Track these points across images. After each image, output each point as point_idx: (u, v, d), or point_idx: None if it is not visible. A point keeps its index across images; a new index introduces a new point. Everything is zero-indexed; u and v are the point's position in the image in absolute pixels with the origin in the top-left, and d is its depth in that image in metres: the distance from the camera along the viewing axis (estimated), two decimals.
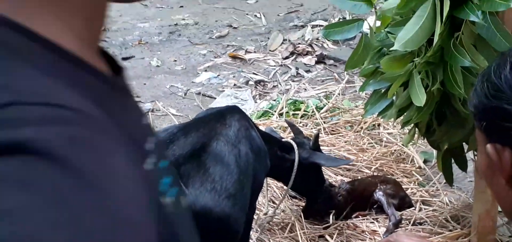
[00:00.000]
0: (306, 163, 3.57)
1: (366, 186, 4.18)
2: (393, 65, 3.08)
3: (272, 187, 4.37)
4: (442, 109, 3.33)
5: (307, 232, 3.90)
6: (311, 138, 3.74)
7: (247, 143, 2.98)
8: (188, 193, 2.49)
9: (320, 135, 4.33)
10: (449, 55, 2.95)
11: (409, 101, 3.15)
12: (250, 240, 3.69)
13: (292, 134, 3.89)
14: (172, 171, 2.24)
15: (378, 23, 3.22)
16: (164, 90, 7.27)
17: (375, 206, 4.12)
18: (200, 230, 2.39)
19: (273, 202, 4.26)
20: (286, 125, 5.17)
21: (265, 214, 4.01)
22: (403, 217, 4.02)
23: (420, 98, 3.03)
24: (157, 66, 8.02)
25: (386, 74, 3.23)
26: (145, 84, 7.47)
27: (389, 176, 4.42)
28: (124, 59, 8.25)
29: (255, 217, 3.69)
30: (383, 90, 3.47)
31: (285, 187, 3.90)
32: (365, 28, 3.13)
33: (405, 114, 3.36)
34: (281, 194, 4.29)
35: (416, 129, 3.63)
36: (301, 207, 4.19)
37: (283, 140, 3.70)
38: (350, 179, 4.39)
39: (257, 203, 4.05)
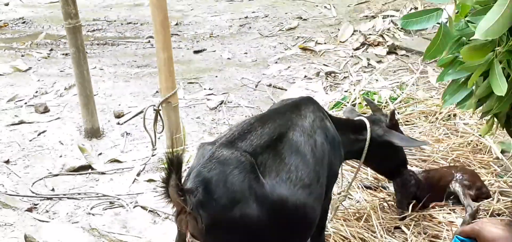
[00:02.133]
0: (380, 141, 3.55)
1: (442, 176, 4.13)
2: (473, 55, 3.04)
3: (347, 177, 4.38)
4: None
5: (383, 222, 3.89)
6: (388, 115, 3.70)
7: (322, 133, 3.01)
8: (265, 182, 2.53)
9: None
10: None
11: (490, 90, 3.10)
12: (326, 229, 3.72)
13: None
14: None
15: (457, 12, 3.17)
16: (235, 82, 7.35)
17: (451, 197, 4.07)
18: (277, 219, 2.44)
19: (348, 193, 4.26)
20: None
21: (339, 193, 4.00)
22: (481, 208, 3.96)
23: (501, 87, 2.97)
24: (228, 58, 8.11)
25: (466, 64, 3.18)
26: (216, 76, 7.57)
27: (465, 167, 4.35)
28: (196, 52, 8.38)
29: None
30: (462, 80, 3.42)
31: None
32: (444, 17, 3.09)
33: (484, 104, 3.30)
34: (355, 186, 4.30)
35: (495, 119, 3.56)
36: (376, 198, 4.18)
37: (356, 119, 3.68)
38: (423, 169, 4.35)
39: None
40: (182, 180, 2.35)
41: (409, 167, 4.42)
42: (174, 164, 2.25)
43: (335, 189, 4.06)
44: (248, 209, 2.41)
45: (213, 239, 2.39)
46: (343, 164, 3.85)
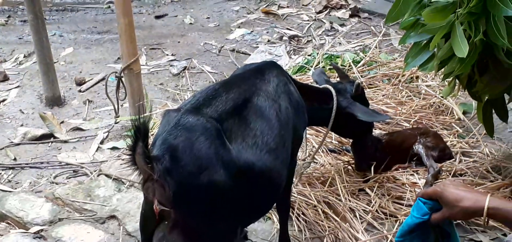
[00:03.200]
0: (344, 112, 3.59)
1: (405, 138, 4.18)
2: (435, 17, 3.06)
3: (311, 141, 4.40)
4: (484, 60, 3.30)
5: (347, 185, 3.92)
6: (354, 86, 3.71)
7: (286, 98, 3.00)
8: (231, 148, 2.52)
9: None
10: (492, 5, 2.92)
11: (451, 52, 3.13)
12: (292, 194, 3.74)
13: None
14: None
15: None
16: (198, 47, 7.29)
17: (414, 159, 4.12)
18: (244, 184, 2.43)
19: (313, 157, 4.29)
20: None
21: (303, 160, 4.03)
22: (443, 169, 4.02)
23: (462, 49, 3.00)
24: (191, 23, 8.04)
25: (428, 26, 3.20)
26: (179, 42, 7.50)
27: (428, 129, 4.40)
28: (157, 17, 8.29)
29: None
30: (424, 42, 3.45)
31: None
32: None
33: (446, 66, 3.33)
34: (320, 150, 4.32)
35: (457, 80, 3.61)
36: (340, 162, 4.21)
37: (322, 87, 3.69)
38: (386, 132, 4.39)
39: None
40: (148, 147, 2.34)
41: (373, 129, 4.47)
42: (140, 131, 2.22)
43: (300, 154, 4.08)
44: (215, 175, 2.40)
45: (180, 206, 2.38)
46: (307, 129, 3.87)
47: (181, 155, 2.36)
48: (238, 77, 3.04)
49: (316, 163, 4.22)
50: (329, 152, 4.33)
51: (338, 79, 3.99)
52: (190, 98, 2.71)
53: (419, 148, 4.08)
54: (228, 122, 2.61)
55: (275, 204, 3.34)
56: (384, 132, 4.44)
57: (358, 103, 3.64)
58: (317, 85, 3.75)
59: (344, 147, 4.37)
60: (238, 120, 2.66)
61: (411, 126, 4.53)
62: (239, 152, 2.55)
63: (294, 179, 3.66)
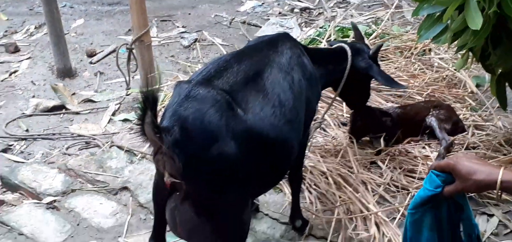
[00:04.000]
0: (363, 73, 3.52)
1: (418, 111, 4.16)
2: None
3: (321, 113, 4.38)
4: (498, 32, 3.27)
5: (359, 158, 3.92)
6: (372, 47, 3.66)
7: (300, 70, 2.98)
8: (245, 118, 2.51)
9: None
10: None
11: (465, 25, 3.10)
12: (304, 165, 3.74)
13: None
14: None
15: None
16: (209, 19, 7.27)
17: (427, 132, 4.10)
18: (257, 155, 2.43)
19: (324, 130, 4.28)
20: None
21: (315, 120, 3.99)
22: (456, 142, 4.00)
23: (476, 21, 2.98)
24: None
25: None
26: (189, 14, 7.48)
27: (441, 101, 4.38)
28: None
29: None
30: (437, 14, 3.41)
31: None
32: None
33: (460, 38, 3.30)
34: (331, 122, 4.31)
35: (470, 53, 3.58)
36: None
37: (335, 46, 3.62)
38: (399, 105, 4.37)
39: None
40: (158, 118, 2.33)
41: (384, 102, 4.45)
42: (149, 101, 2.21)
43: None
44: (226, 148, 2.39)
45: (191, 178, 2.38)
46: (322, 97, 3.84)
47: (191, 127, 2.35)
48: (250, 49, 3.03)
49: (328, 135, 4.22)
50: (341, 125, 4.32)
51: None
52: (202, 69, 2.70)
53: (431, 120, 4.06)
54: (239, 93, 2.60)
55: (287, 176, 3.34)
56: (397, 105, 4.42)
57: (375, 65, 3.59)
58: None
59: None
60: (249, 92, 2.65)
61: (423, 99, 4.51)
62: (250, 124, 2.54)
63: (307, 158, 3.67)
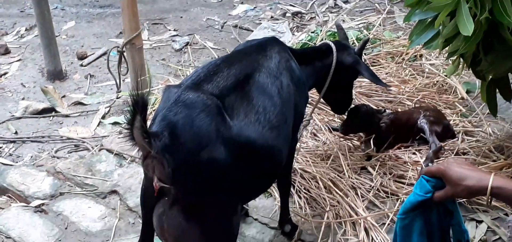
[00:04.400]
0: (349, 67, 3.50)
1: (410, 115, 4.15)
2: None
3: (314, 119, 4.37)
4: (490, 38, 3.27)
5: (350, 163, 3.91)
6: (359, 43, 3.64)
7: (288, 74, 2.97)
8: (232, 125, 2.50)
9: None
10: None
11: (456, 30, 3.10)
12: (294, 170, 3.73)
13: None
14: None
15: None
16: (201, 23, 7.26)
17: (417, 138, 4.10)
18: (245, 161, 2.41)
19: (315, 135, 4.28)
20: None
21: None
22: (446, 148, 4.00)
23: (468, 27, 2.98)
24: None
25: (433, 4, 3.17)
26: (181, 17, 7.47)
27: (433, 107, 4.38)
28: None
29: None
30: (428, 20, 3.41)
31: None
32: None
33: (451, 44, 3.30)
34: (322, 127, 4.31)
35: (461, 59, 3.58)
36: (343, 139, 4.20)
37: (322, 43, 3.63)
38: (391, 111, 4.37)
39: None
40: (148, 123, 2.31)
41: (375, 107, 4.44)
42: (139, 105, 2.19)
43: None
44: (215, 153, 2.38)
45: (180, 183, 2.36)
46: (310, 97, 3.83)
47: (180, 132, 2.33)
48: (240, 53, 3.01)
49: (319, 140, 4.21)
50: (332, 130, 4.31)
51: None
52: (192, 74, 2.68)
53: (422, 122, 4.05)
54: (229, 98, 2.59)
55: (276, 181, 3.33)
56: (389, 110, 4.42)
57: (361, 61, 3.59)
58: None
59: None
60: (239, 97, 2.63)
61: (414, 105, 4.51)
62: (240, 129, 2.53)
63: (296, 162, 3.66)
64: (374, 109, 4.15)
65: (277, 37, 3.43)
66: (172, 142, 2.30)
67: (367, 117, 4.02)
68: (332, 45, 3.51)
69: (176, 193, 2.40)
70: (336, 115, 4.40)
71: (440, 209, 2.18)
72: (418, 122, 4.06)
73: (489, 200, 2.01)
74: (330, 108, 4.01)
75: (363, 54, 5.06)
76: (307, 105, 3.73)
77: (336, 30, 5.84)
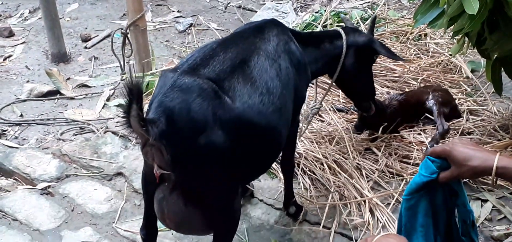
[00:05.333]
0: (364, 47, 3.40)
1: (419, 97, 4.13)
2: None
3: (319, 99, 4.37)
4: (495, 17, 3.26)
5: (355, 144, 3.91)
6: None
7: (287, 57, 2.94)
8: (232, 107, 2.49)
9: None
10: None
11: (461, 9, 3.09)
12: (297, 150, 3.73)
13: None
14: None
15: None
16: (204, 4, 7.24)
17: (422, 117, 4.09)
18: (243, 144, 2.40)
19: (320, 116, 4.27)
20: None
21: (313, 107, 3.94)
22: (451, 127, 4.00)
23: (472, 6, 2.97)
24: None
25: None
26: None
27: (441, 87, 4.37)
28: None
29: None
30: None
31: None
32: None
33: (456, 23, 3.29)
34: (327, 109, 4.30)
35: (466, 38, 3.57)
36: (348, 121, 4.20)
37: (330, 30, 3.56)
38: (399, 91, 4.35)
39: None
40: (145, 109, 2.29)
41: (380, 88, 4.43)
42: (133, 93, 2.17)
43: (305, 107, 4.07)
44: (214, 137, 2.36)
45: (180, 169, 2.35)
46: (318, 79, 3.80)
47: (177, 117, 2.31)
48: (237, 36, 2.97)
49: (324, 121, 4.21)
50: (336, 111, 4.30)
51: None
52: (188, 58, 2.66)
53: (431, 103, 4.04)
54: (226, 82, 2.56)
55: (279, 164, 3.33)
56: (393, 90, 4.41)
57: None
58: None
59: (352, 107, 4.33)
60: (236, 80, 2.61)
61: (419, 84, 4.50)
62: (238, 112, 2.51)
63: (303, 125, 3.64)
64: (383, 102, 4.08)
65: (277, 18, 3.40)
66: (169, 128, 2.28)
67: (381, 113, 3.96)
68: (341, 30, 3.43)
69: (175, 179, 2.39)
70: (341, 94, 4.39)
71: (445, 190, 2.18)
72: (427, 102, 4.05)
73: (494, 180, 2.01)
74: (353, 104, 3.92)
75: None
76: (318, 92, 3.70)
77: (340, 10, 5.84)
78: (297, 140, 3.45)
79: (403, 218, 2.23)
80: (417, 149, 3.83)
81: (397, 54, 3.90)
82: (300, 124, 3.53)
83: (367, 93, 3.66)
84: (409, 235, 2.20)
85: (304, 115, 3.80)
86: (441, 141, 3.82)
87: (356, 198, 3.44)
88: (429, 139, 3.88)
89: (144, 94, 4.49)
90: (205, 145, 2.35)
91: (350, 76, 3.45)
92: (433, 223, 2.21)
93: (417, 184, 2.17)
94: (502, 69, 3.70)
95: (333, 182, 3.58)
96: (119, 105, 4.88)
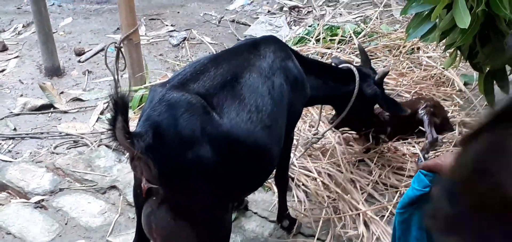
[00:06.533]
0: (368, 97, 3.50)
1: (411, 106, 4.15)
2: None
3: (312, 113, 4.38)
4: (486, 30, 3.28)
5: (348, 156, 3.93)
6: (379, 72, 3.62)
7: (282, 74, 2.92)
8: (221, 123, 2.48)
9: (355, 62, 4.18)
10: None
11: (453, 23, 3.11)
12: (292, 165, 3.74)
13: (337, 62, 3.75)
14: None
15: None
16: (198, 18, 7.26)
17: (416, 131, 4.11)
18: (234, 160, 2.39)
19: (313, 128, 4.28)
20: (324, 51, 5.15)
21: (315, 134, 3.99)
22: (445, 140, 4.01)
23: (464, 20, 2.99)
24: None
25: None
26: (178, 12, 7.46)
27: (433, 98, 4.39)
28: None
29: (298, 139, 3.71)
30: (425, 13, 3.42)
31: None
32: None
33: (448, 37, 3.31)
34: (321, 122, 4.31)
35: (458, 52, 3.59)
36: (340, 132, 4.21)
37: (343, 66, 3.58)
38: None
39: (299, 128, 4.09)
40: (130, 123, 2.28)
41: None
42: (119, 106, 2.16)
43: (301, 126, 4.08)
44: (202, 152, 2.35)
45: (167, 183, 2.34)
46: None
47: (164, 132, 2.30)
48: (230, 52, 2.97)
49: (317, 132, 4.22)
50: (330, 123, 4.31)
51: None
52: (178, 72, 2.66)
53: (423, 113, 4.06)
54: (215, 97, 2.55)
55: (274, 178, 3.33)
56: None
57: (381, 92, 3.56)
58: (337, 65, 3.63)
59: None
60: (226, 96, 2.60)
61: (411, 97, 4.52)
62: (226, 129, 2.50)
63: (301, 151, 3.65)
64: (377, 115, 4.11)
65: (271, 32, 3.41)
66: (156, 142, 2.27)
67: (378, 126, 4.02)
68: (356, 73, 3.47)
69: (164, 193, 2.38)
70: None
71: None
72: (419, 112, 4.07)
73: None
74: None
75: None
76: (322, 120, 3.71)
77: (333, 24, 5.87)
78: (291, 157, 3.45)
79: (397, 231, 2.23)
80: (411, 161, 3.85)
81: (387, 77, 3.94)
82: (299, 147, 3.55)
83: (368, 124, 3.84)
84: None
85: (303, 141, 3.84)
86: (431, 150, 3.84)
87: (350, 210, 3.45)
88: (421, 149, 3.90)
89: (137, 108, 4.51)
90: (193, 160, 2.34)
91: (354, 113, 3.55)
92: (427, 237, 2.21)
93: (410, 197, 2.18)
94: (495, 81, 3.72)
95: (327, 196, 3.58)
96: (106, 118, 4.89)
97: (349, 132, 4.20)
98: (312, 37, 5.59)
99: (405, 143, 4.06)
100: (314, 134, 3.83)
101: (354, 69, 3.50)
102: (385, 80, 4.66)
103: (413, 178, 2.21)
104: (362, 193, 3.62)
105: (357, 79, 3.44)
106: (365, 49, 5.19)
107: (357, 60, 4.71)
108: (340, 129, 4.10)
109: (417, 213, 2.19)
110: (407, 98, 4.55)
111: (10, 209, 3.77)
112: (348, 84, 3.46)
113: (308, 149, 3.88)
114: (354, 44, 5.34)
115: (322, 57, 5.17)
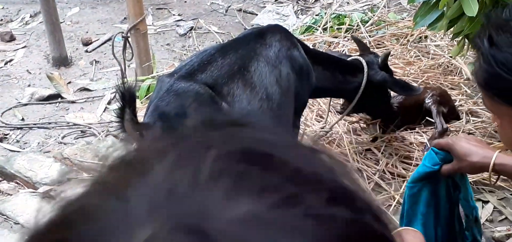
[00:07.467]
0: (377, 85, 3.49)
1: (417, 96, 4.14)
2: None
3: (320, 103, 4.38)
4: None
5: (355, 146, 3.92)
6: (380, 55, 3.62)
7: (288, 63, 2.93)
8: (232, 112, 2.48)
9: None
10: None
11: (461, 11, 3.10)
12: None
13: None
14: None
15: None
16: (205, 7, 7.25)
17: (423, 121, 4.11)
18: None
19: (321, 117, 4.28)
20: (331, 40, 5.14)
21: (322, 128, 4.00)
22: (452, 128, 4.00)
23: (472, 8, 2.98)
24: None
25: None
26: (185, 1, 7.45)
27: (440, 87, 4.37)
28: None
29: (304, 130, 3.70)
30: (433, 1, 3.41)
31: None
32: None
33: (456, 25, 3.30)
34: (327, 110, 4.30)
35: (466, 40, 3.57)
36: (348, 122, 4.20)
37: (349, 59, 3.56)
38: None
39: (306, 118, 4.09)
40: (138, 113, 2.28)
41: None
42: (126, 98, 2.16)
43: (306, 116, 4.08)
44: None
45: None
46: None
47: (173, 122, 2.31)
48: (237, 42, 2.97)
49: (322, 120, 4.22)
50: (336, 112, 4.31)
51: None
52: (186, 62, 2.65)
53: (429, 103, 4.05)
54: (223, 87, 2.56)
55: None
56: None
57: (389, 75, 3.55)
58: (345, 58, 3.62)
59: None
60: (234, 86, 2.61)
61: (418, 86, 4.51)
62: (243, 116, 2.50)
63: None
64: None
65: (278, 22, 3.42)
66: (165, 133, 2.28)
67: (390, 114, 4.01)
68: (364, 63, 3.46)
69: None
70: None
71: (449, 182, 2.22)
72: (426, 102, 4.06)
73: (490, 176, 2.06)
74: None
75: (368, 37, 5.08)
76: (331, 110, 3.71)
77: (340, 13, 5.85)
78: None
79: (406, 204, 2.28)
80: (418, 150, 3.84)
81: (393, 61, 3.93)
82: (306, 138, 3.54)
83: (385, 109, 3.84)
84: (410, 221, 2.25)
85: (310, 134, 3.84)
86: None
87: None
88: (429, 138, 3.89)
89: (144, 97, 4.52)
90: None
91: (368, 102, 3.59)
92: (434, 214, 2.25)
93: (420, 173, 2.23)
94: None
95: None
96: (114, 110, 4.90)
97: (357, 121, 4.19)
98: (319, 26, 5.58)
99: (412, 132, 4.05)
100: (321, 128, 3.83)
101: (362, 59, 3.49)
102: (392, 69, 4.65)
103: (425, 154, 2.25)
104: (369, 183, 3.61)
105: (366, 69, 3.43)
106: (373, 38, 5.22)
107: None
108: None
109: (426, 189, 2.22)
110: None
111: (18, 199, 3.78)
112: (356, 75, 3.44)
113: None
114: (361, 32, 5.32)
115: (330, 46, 5.15)
